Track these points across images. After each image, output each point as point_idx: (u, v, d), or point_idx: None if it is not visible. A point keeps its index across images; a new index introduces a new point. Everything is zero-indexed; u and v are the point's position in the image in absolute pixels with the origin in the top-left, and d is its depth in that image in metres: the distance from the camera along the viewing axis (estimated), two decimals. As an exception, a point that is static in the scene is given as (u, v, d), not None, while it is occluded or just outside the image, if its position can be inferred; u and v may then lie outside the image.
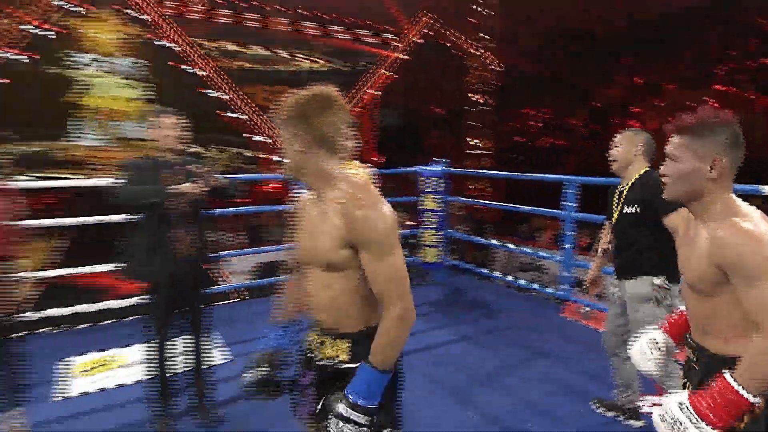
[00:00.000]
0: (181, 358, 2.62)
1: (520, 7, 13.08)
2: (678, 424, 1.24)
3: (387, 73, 14.59)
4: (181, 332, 2.59)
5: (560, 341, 3.75)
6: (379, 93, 14.58)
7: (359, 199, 1.29)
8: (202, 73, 12.78)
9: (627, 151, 2.37)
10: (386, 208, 1.30)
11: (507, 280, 5.25)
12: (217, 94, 13.02)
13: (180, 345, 2.61)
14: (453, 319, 4.21)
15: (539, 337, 3.83)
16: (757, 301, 1.23)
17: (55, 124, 11.25)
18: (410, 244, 5.06)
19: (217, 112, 13.10)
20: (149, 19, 12.06)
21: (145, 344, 2.50)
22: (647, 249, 2.30)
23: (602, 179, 3.44)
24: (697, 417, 1.23)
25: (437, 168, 4.91)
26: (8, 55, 10.44)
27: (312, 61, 14.13)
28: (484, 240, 6.25)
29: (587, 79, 14.81)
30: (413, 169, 5.06)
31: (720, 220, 1.30)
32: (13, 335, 2.42)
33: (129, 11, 11.79)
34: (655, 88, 14.64)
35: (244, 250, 6.15)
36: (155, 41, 12.17)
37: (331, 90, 1.35)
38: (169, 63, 12.36)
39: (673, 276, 2.27)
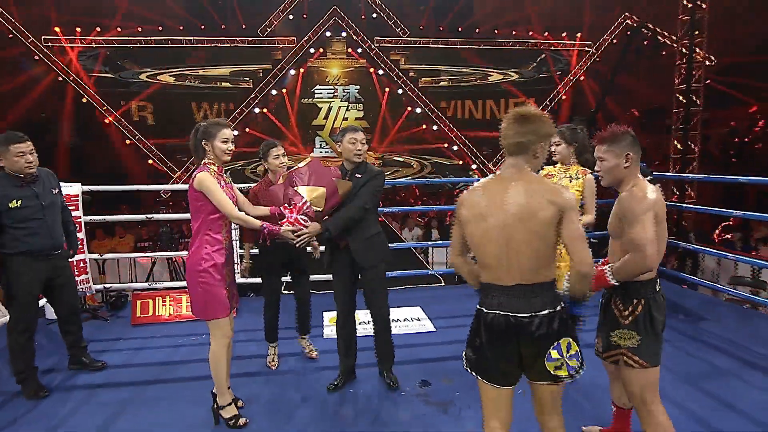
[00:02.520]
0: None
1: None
2: None
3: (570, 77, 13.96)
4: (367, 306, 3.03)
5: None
6: (564, 97, 13.99)
7: None
8: (403, 92, 14.04)
9: None
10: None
11: (716, 288, 4.75)
12: (418, 110, 14.16)
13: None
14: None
15: (754, 349, 3.46)
16: (630, 236, 1.87)
17: (307, 141, 13.98)
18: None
19: (423, 126, 14.29)
20: (362, 51, 13.80)
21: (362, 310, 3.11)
22: None
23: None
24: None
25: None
26: (274, 91, 13.53)
27: (502, 73, 14.30)
28: (691, 245, 5.62)
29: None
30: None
31: (626, 190, 1.96)
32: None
33: (350, 49, 13.75)
34: None
35: (437, 242, 6.77)
36: (370, 69, 13.86)
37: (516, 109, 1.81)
38: (385, 87, 13.98)
39: None
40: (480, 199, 1.77)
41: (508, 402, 1.82)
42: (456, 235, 1.89)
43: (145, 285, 4.72)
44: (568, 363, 1.74)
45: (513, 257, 1.71)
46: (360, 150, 2.86)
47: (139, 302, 4.27)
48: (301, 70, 13.69)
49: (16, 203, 2.89)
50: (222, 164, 2.57)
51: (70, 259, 3.36)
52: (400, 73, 13.93)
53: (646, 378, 1.95)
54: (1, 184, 2.89)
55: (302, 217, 2.63)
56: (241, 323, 4.09)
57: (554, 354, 1.72)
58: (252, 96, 13.54)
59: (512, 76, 14.27)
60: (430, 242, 7.34)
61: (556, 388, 1.77)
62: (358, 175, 2.88)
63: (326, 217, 2.80)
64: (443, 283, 5.78)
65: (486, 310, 1.77)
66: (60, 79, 12.44)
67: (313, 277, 4.71)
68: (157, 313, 4.26)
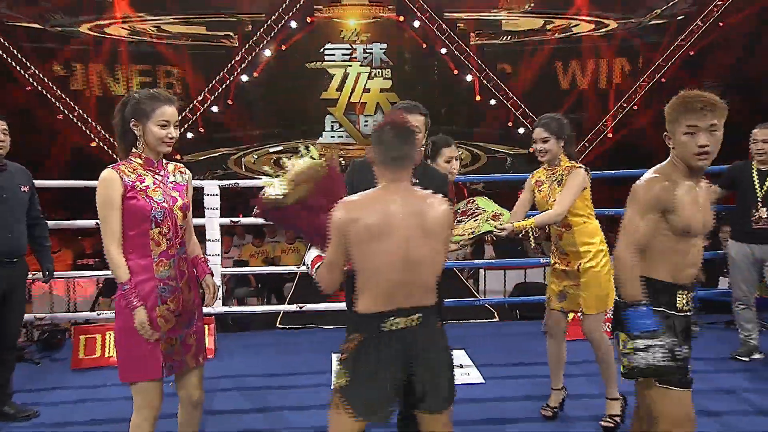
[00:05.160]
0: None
1: None
2: None
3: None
4: None
5: None
6: (691, 53, 13.56)
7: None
8: (448, 52, 14.09)
9: None
10: None
11: None
12: (469, 78, 14.22)
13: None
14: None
15: None
16: None
17: (315, 121, 14.39)
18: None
19: (477, 98, 14.36)
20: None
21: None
22: None
23: None
24: None
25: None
26: (267, 52, 13.79)
27: (593, 22, 14.11)
28: None
29: None
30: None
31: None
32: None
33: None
34: None
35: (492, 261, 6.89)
36: (400, 19, 14.00)
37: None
38: (423, 45, 14.14)
39: None
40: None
41: None
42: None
43: (92, 315, 4.98)
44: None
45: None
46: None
47: (82, 338, 4.53)
48: (308, 20, 13.89)
49: None
50: (156, 156, 2.61)
51: (45, 283, 3.84)
52: (444, 26, 14.03)
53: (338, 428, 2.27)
54: None
55: None
56: (224, 367, 4.33)
57: None
58: (238, 58, 13.80)
59: (608, 26, 14.10)
60: (480, 261, 7.43)
61: None
62: (415, 180, 2.77)
63: None
64: (497, 318, 5.89)
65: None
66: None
67: (313, 307, 4.97)
68: (106, 354, 4.49)
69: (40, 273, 3.95)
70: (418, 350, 2.19)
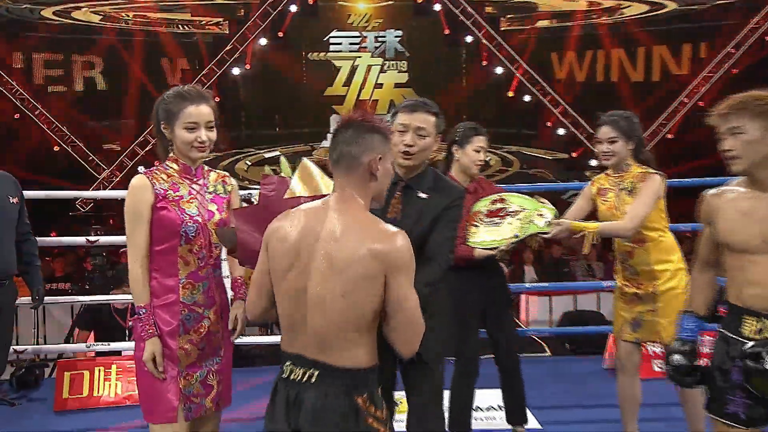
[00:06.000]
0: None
1: None
2: None
3: None
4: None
5: None
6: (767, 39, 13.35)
7: None
8: (474, 40, 14.17)
9: None
10: None
11: None
12: (499, 70, 14.25)
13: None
14: None
15: None
16: None
17: (318, 121, 14.29)
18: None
19: (509, 93, 14.42)
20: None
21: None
22: None
23: None
24: None
25: None
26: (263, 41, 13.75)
27: (648, 3, 14.09)
28: None
29: None
30: None
31: None
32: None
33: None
34: None
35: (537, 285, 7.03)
36: (419, 1, 14.10)
37: None
38: (445, 32, 14.24)
39: None
40: None
41: None
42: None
43: (80, 347, 5.04)
44: None
45: None
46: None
47: (67, 375, 4.58)
48: (309, 2, 13.95)
49: None
50: (193, 162, 2.63)
51: (34, 309, 4.07)
52: (469, 9, 14.07)
53: None
54: None
55: None
56: (232, 410, 4.37)
57: None
58: (228, 48, 13.87)
59: (665, 7, 14.10)
60: (525, 284, 7.45)
61: None
62: (423, 195, 2.77)
63: None
64: (548, 353, 5.93)
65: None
66: None
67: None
68: (95, 393, 4.54)
69: (29, 297, 3.99)
70: (306, 414, 1.95)
